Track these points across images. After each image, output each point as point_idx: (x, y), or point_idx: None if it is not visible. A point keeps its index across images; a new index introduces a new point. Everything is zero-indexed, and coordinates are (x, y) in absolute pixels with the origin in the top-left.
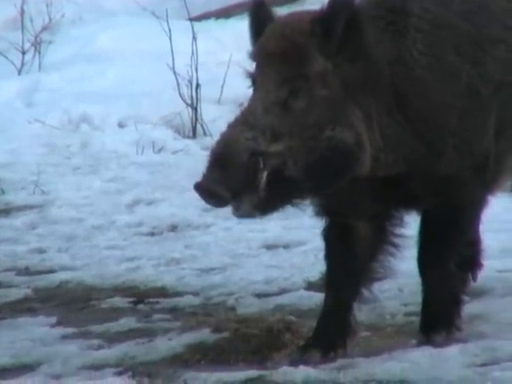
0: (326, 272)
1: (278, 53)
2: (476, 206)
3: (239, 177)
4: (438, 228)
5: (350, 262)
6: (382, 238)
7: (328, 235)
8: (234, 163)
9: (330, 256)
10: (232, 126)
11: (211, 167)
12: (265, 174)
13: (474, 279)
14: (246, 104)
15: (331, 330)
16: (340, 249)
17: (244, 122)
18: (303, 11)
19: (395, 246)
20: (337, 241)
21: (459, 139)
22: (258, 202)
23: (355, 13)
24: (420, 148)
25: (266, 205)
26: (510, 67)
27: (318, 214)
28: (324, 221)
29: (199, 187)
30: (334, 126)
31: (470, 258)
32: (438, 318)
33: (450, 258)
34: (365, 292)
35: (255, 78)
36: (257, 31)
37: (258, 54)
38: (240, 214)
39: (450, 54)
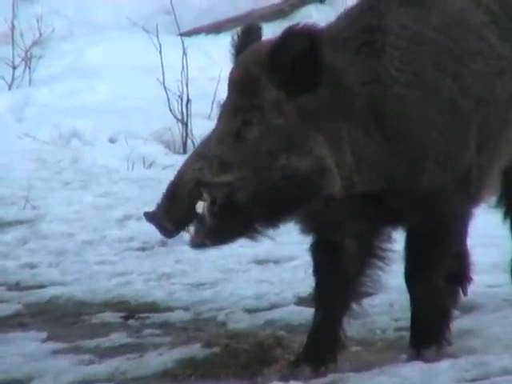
0: (314, 287)
1: (235, 83)
2: (460, 220)
3: (182, 208)
4: (423, 243)
5: (338, 277)
6: (369, 253)
7: (315, 251)
8: (178, 194)
9: (318, 271)
10: (188, 157)
11: (162, 198)
12: (209, 204)
13: (465, 293)
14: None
15: (321, 345)
16: (328, 264)
17: (197, 152)
18: (271, 39)
19: (383, 259)
20: (324, 256)
21: (441, 155)
22: (206, 232)
23: (311, 42)
24: (401, 166)
25: (216, 234)
26: (487, 81)
27: (304, 231)
28: (311, 237)
29: (147, 217)
30: (289, 154)
31: (459, 272)
32: (428, 332)
33: (437, 272)
34: (354, 306)
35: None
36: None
37: (227, 84)
38: (191, 244)
39: (429, 70)
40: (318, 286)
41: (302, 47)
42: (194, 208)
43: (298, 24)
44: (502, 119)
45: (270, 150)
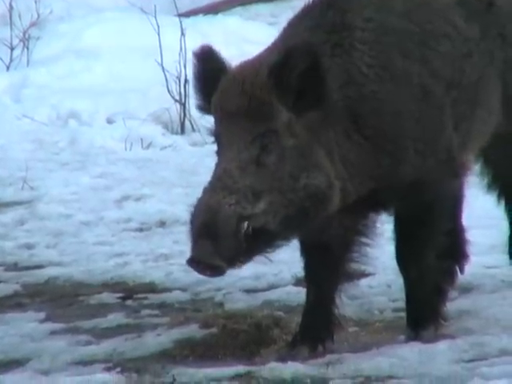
0: (304, 268)
1: (243, 111)
2: (447, 198)
3: (232, 245)
4: (412, 224)
5: (325, 256)
6: (353, 231)
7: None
8: (224, 232)
9: (305, 252)
10: (211, 192)
11: (201, 238)
12: (250, 235)
13: (462, 271)
14: (217, 165)
15: (317, 325)
16: (314, 244)
17: (223, 186)
18: (256, 59)
19: (367, 236)
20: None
21: (419, 143)
22: (243, 259)
23: (314, 60)
24: (383, 161)
25: (247, 259)
26: (456, 63)
27: None
28: None
29: (194, 262)
30: (308, 173)
31: (455, 250)
32: (424, 312)
33: (428, 251)
34: (348, 284)
35: (220, 136)
36: (206, 82)
37: (220, 112)
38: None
39: (397, 59)
40: (307, 266)
41: (305, 65)
42: (241, 242)
43: (296, 44)
44: (472, 101)
45: (291, 171)
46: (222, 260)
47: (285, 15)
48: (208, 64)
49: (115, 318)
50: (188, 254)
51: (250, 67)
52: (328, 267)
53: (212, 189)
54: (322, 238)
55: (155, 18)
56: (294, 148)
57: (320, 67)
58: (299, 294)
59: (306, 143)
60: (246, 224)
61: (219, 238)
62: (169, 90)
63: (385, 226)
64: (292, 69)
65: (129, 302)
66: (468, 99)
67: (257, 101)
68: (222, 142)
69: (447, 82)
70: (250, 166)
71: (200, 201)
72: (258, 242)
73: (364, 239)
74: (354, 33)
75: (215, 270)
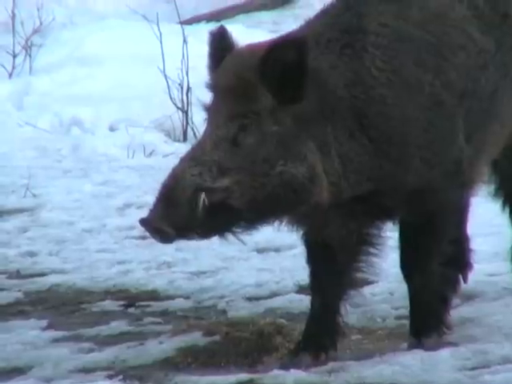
0: (309, 276)
1: (229, 88)
2: (453, 209)
3: (183, 214)
4: (417, 234)
5: (331, 265)
6: (359, 240)
7: (307, 240)
8: (178, 200)
9: (311, 260)
10: (181, 161)
11: (157, 203)
12: (208, 209)
13: (465, 280)
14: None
15: (321, 333)
16: (320, 252)
17: (192, 157)
18: (260, 43)
19: (374, 245)
20: (316, 245)
21: (426, 152)
22: (199, 231)
23: (299, 56)
24: (386, 166)
25: (206, 233)
26: (471, 75)
27: (289, 225)
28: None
29: (144, 223)
30: (286, 162)
31: (459, 258)
32: (428, 320)
33: (433, 259)
34: (352, 293)
35: (207, 112)
36: (215, 60)
37: (212, 87)
38: (167, 238)
39: (410, 67)
40: (312, 274)
41: (289, 59)
42: (194, 213)
43: (287, 35)
44: (486, 113)
45: (268, 156)
46: (171, 227)
47: (287, 23)
48: (218, 43)
49: (117, 326)
50: (191, 261)
51: (250, 50)
52: (334, 276)
53: (183, 159)
54: (323, 237)
55: (157, 25)
56: (277, 134)
57: (303, 65)
58: (301, 302)
59: (292, 133)
60: (202, 196)
61: (173, 204)
62: (171, 98)
63: (387, 234)
64: (277, 59)
65: (131, 310)
66: (482, 111)
67: (244, 81)
68: (208, 117)
69: (460, 93)
70: (224, 143)
71: (172, 168)
72: (218, 217)
73: (370, 249)
74: (368, 37)
75: (163, 236)
